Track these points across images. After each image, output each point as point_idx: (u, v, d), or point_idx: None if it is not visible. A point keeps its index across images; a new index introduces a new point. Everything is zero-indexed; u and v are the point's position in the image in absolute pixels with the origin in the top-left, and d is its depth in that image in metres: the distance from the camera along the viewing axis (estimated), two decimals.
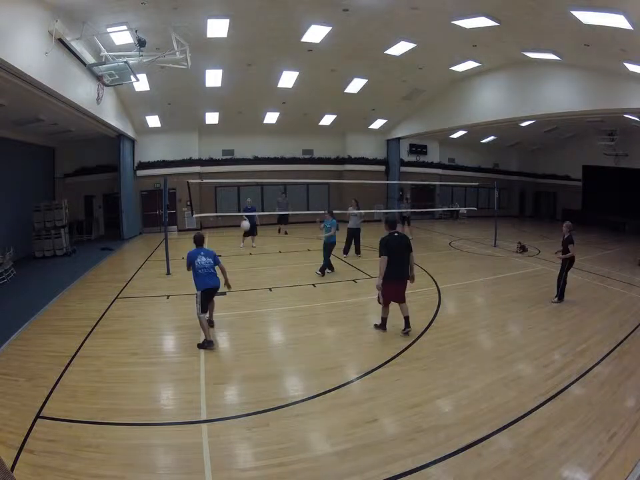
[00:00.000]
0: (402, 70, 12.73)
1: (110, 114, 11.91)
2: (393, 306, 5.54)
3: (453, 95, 14.51)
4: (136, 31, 8.10)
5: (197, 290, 5.16)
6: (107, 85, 9.40)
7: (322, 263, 8.83)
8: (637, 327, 5.75)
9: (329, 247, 8.77)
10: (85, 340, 5.36)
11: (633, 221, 17.06)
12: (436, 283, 8.19)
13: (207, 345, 5.07)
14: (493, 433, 3.32)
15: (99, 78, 9.01)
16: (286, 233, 14.96)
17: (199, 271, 5.18)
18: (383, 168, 19.43)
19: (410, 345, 5.16)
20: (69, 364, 4.65)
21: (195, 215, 11.35)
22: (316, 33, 9.96)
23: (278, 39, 10.28)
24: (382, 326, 5.65)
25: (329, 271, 8.98)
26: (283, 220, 15.08)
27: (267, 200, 17.76)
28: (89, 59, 8.74)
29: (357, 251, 10.94)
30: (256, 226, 12.25)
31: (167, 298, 7.34)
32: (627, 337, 5.38)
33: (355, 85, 14.02)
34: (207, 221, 17.03)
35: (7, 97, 8.14)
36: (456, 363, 4.68)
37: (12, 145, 11.35)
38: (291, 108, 15.54)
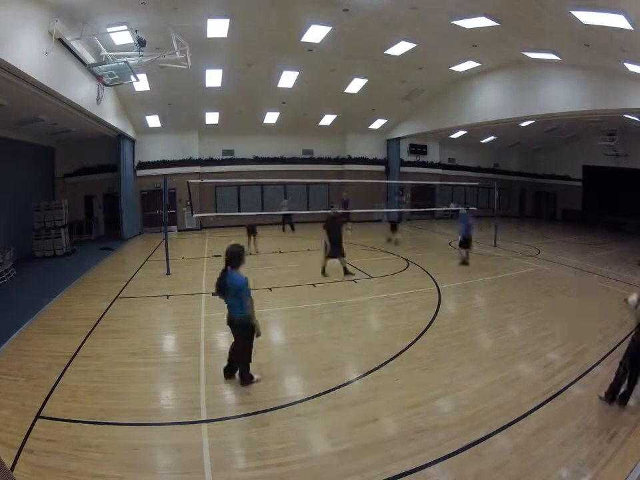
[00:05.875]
0: (402, 70, 12.72)
1: (110, 114, 11.91)
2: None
3: (453, 94, 14.51)
4: (136, 31, 8.11)
5: None
6: (107, 85, 9.40)
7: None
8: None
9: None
10: (85, 340, 5.36)
11: (632, 220, 17.06)
12: (436, 283, 8.19)
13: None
14: (492, 433, 3.31)
15: (98, 78, 9.01)
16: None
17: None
18: (383, 168, 19.43)
19: (410, 345, 5.16)
20: (68, 364, 4.65)
21: (194, 215, 11.36)
22: (316, 33, 9.96)
23: (278, 39, 10.28)
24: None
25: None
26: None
27: (266, 200, 17.80)
28: (89, 58, 8.74)
29: None
30: None
31: (167, 298, 7.34)
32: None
33: (355, 85, 14.02)
34: (206, 221, 17.03)
35: (7, 96, 8.14)
36: (456, 363, 4.68)
37: (12, 144, 11.35)
38: (291, 108, 15.54)
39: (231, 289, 3.86)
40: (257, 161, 17.71)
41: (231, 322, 4.05)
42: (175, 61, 8.99)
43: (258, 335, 4.06)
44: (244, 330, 3.99)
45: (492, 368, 4.57)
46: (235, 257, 3.90)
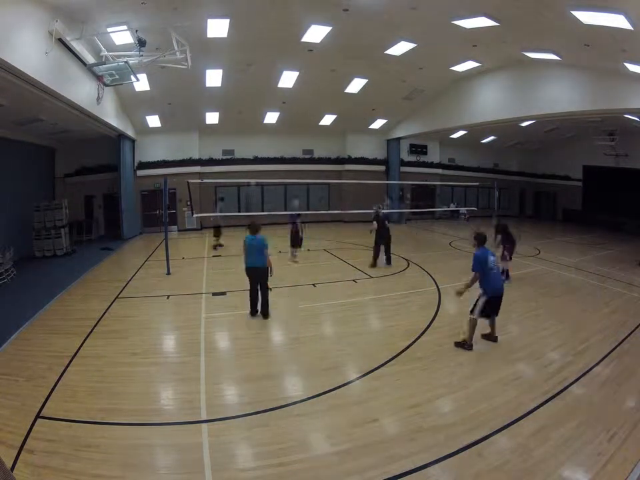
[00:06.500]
0: (402, 70, 12.71)
1: (110, 114, 11.91)
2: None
3: (453, 94, 14.49)
4: (136, 31, 8.10)
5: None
6: (107, 85, 9.39)
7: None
8: (637, 327, 5.75)
9: None
10: (85, 340, 5.36)
11: (632, 220, 17.06)
12: (436, 283, 8.18)
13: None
14: (493, 433, 3.31)
15: (99, 78, 9.00)
16: None
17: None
18: (383, 168, 19.43)
19: (410, 345, 5.16)
20: (69, 364, 4.65)
21: (194, 215, 11.38)
22: (316, 33, 9.95)
23: (278, 39, 10.27)
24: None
25: None
26: None
27: (266, 199, 17.80)
28: (89, 58, 8.73)
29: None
30: None
31: (167, 298, 7.34)
32: (627, 337, 5.38)
33: (355, 85, 14.02)
34: (207, 221, 17.02)
35: (7, 96, 8.14)
36: (456, 363, 4.68)
37: (12, 144, 11.34)
38: (291, 108, 15.53)
39: (256, 247, 6.05)
40: (257, 160, 17.71)
41: (254, 271, 6.11)
42: (175, 61, 8.99)
43: (271, 274, 6.26)
44: (264, 273, 6.11)
45: (492, 368, 4.57)
46: (254, 226, 6.21)
